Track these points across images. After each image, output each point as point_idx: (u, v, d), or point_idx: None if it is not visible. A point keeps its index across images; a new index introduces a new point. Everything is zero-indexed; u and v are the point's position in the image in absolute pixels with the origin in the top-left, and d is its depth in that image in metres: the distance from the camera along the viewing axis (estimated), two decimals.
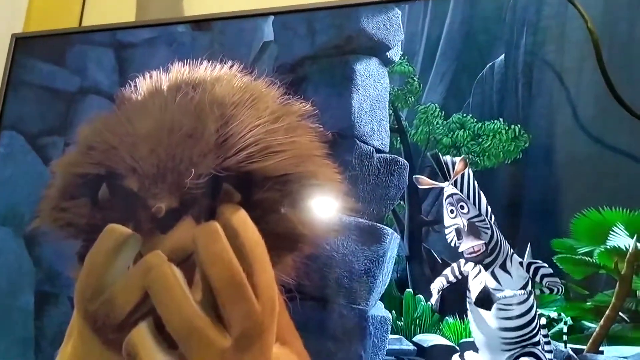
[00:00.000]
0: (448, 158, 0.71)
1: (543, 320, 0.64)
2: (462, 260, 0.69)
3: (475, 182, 0.70)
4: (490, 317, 0.66)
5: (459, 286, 0.69)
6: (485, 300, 0.66)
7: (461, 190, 0.70)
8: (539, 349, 0.64)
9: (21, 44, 0.98)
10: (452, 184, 0.70)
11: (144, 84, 0.55)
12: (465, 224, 0.68)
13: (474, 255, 0.68)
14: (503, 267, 0.67)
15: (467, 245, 0.68)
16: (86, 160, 0.52)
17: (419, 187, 0.72)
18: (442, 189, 0.71)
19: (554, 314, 0.64)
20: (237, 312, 0.41)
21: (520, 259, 0.66)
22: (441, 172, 0.71)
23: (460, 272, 0.68)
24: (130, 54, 0.90)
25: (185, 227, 0.47)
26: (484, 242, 0.67)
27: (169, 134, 0.49)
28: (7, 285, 0.86)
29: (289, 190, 0.50)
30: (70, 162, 0.54)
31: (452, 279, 0.69)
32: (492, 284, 0.66)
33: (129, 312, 0.42)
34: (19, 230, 0.88)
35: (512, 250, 0.67)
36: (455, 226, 0.69)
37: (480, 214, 0.68)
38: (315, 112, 0.55)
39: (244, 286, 0.41)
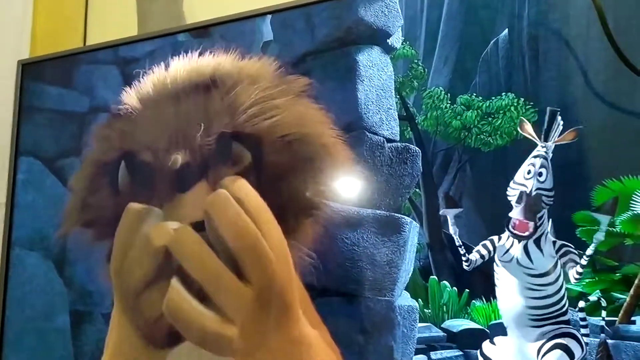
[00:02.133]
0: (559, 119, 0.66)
1: (582, 304, 0.63)
2: (494, 237, 0.67)
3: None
4: (518, 295, 0.65)
5: (486, 268, 0.68)
6: None
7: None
8: (575, 330, 0.63)
9: (27, 69, 1.00)
10: (546, 147, 0.66)
11: (148, 79, 0.58)
12: (533, 192, 0.65)
13: (517, 231, 0.65)
14: (537, 242, 0.65)
15: (519, 216, 0.64)
16: (103, 149, 0.55)
17: (521, 132, 0.67)
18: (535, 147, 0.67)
19: (593, 297, 0.63)
20: (257, 267, 0.43)
21: (554, 238, 0.65)
22: (547, 128, 0.66)
23: (494, 248, 0.67)
24: (135, 68, 0.90)
25: (201, 190, 0.51)
26: (534, 223, 0.64)
27: (176, 108, 0.53)
28: (42, 308, 0.88)
29: (298, 152, 0.52)
30: (90, 157, 0.58)
31: (485, 252, 0.67)
32: (524, 260, 0.65)
33: (145, 280, 0.45)
34: (47, 253, 0.90)
35: (549, 229, 0.65)
36: (523, 188, 0.65)
37: (552, 189, 0.65)
38: (312, 83, 0.57)
39: (261, 243, 0.43)
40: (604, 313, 0.62)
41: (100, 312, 0.83)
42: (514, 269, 0.66)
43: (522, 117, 0.67)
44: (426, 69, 0.75)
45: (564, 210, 0.64)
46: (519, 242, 0.65)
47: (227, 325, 0.43)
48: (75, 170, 0.91)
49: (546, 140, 0.66)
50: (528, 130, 0.67)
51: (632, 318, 0.61)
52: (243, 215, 0.44)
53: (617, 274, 0.62)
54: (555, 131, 0.66)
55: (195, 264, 0.43)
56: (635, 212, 0.62)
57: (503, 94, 0.69)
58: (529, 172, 0.65)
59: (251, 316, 0.43)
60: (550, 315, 0.64)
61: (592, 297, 0.63)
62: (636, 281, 0.61)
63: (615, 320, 0.62)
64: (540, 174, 0.65)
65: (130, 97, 0.59)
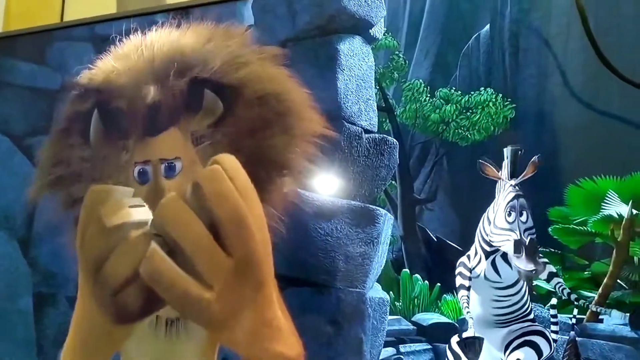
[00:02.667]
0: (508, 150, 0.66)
1: (554, 301, 0.63)
2: (464, 260, 0.67)
3: None
4: (482, 306, 0.65)
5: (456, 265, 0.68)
6: None
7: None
8: (543, 327, 0.63)
9: None
10: (517, 185, 0.65)
11: (124, 44, 0.63)
12: (526, 240, 0.64)
13: (529, 273, 0.64)
14: (505, 256, 0.65)
15: (529, 267, 0.63)
16: (75, 103, 0.57)
17: (482, 174, 0.67)
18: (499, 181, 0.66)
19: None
20: (240, 240, 0.44)
21: None
22: (512, 166, 0.66)
23: (470, 269, 0.67)
24: (108, 46, 0.88)
25: (172, 135, 0.53)
26: (543, 263, 0.64)
27: (150, 62, 0.55)
28: (5, 288, 0.86)
29: (269, 107, 0.55)
30: (62, 115, 0.59)
31: (467, 282, 0.67)
32: (491, 275, 0.65)
33: (101, 257, 0.45)
34: (12, 233, 0.87)
35: None
36: (513, 237, 0.64)
37: (533, 227, 0.64)
38: (286, 53, 0.58)
39: (248, 219, 0.45)
40: (575, 311, 0.62)
41: (65, 295, 0.81)
42: (480, 285, 0.66)
43: (480, 160, 0.67)
44: (407, 61, 0.74)
45: (538, 208, 0.65)
46: (487, 258, 0.65)
47: (206, 289, 0.43)
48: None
49: (514, 177, 0.65)
50: (491, 172, 0.66)
51: (600, 317, 0.61)
52: (234, 192, 0.45)
53: (586, 272, 0.63)
54: (516, 166, 0.65)
55: (180, 227, 0.44)
56: (605, 213, 0.62)
57: (482, 89, 0.69)
58: (510, 215, 0.64)
59: (229, 284, 0.44)
60: (514, 317, 0.64)
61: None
62: (605, 280, 0.62)
63: (583, 319, 0.62)
64: (521, 214, 0.64)
65: (105, 59, 0.60)
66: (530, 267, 0.63)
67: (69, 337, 0.51)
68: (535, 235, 0.64)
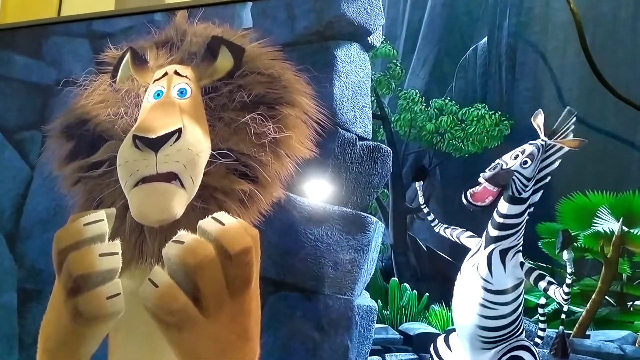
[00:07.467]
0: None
1: (542, 300, 0.63)
2: (464, 235, 0.67)
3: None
4: (471, 311, 0.65)
5: (446, 274, 0.68)
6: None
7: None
8: (529, 342, 0.63)
9: None
10: (543, 144, 0.64)
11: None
12: (508, 166, 0.63)
13: (473, 200, 0.64)
14: (503, 255, 0.64)
15: (481, 180, 0.64)
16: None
17: (533, 122, 0.65)
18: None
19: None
20: (215, 304, 0.51)
21: (523, 260, 0.64)
22: (558, 126, 0.64)
23: (457, 237, 0.66)
24: (106, 44, 0.87)
25: (187, 67, 0.66)
26: (492, 196, 0.63)
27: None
28: None
29: (270, 79, 0.65)
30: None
31: (448, 233, 0.67)
32: (483, 270, 0.65)
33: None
34: None
35: (520, 247, 0.64)
36: (502, 163, 0.64)
37: (530, 181, 0.63)
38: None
39: (225, 292, 0.52)
40: (563, 315, 0.61)
41: (50, 291, 0.80)
42: (473, 278, 0.65)
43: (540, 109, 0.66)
44: (404, 70, 0.74)
45: (530, 222, 0.65)
46: (485, 247, 0.65)
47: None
48: (35, 144, 0.88)
49: (551, 137, 0.64)
50: (538, 121, 0.65)
51: (587, 332, 0.61)
52: (222, 280, 0.52)
53: (575, 288, 0.63)
54: (565, 131, 0.64)
55: (205, 274, 0.51)
56: (597, 229, 0.62)
57: (479, 105, 0.69)
58: (516, 157, 0.64)
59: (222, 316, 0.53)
60: (502, 338, 0.64)
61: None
62: (593, 296, 0.62)
63: (571, 334, 0.62)
64: (525, 163, 0.64)
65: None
66: (482, 180, 0.64)
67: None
68: (522, 185, 0.64)
